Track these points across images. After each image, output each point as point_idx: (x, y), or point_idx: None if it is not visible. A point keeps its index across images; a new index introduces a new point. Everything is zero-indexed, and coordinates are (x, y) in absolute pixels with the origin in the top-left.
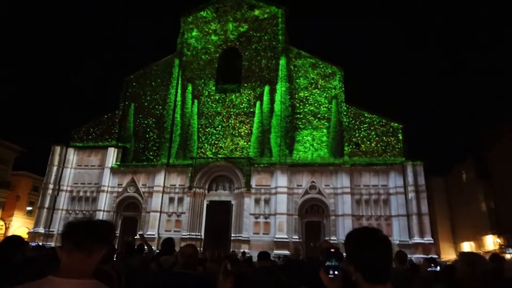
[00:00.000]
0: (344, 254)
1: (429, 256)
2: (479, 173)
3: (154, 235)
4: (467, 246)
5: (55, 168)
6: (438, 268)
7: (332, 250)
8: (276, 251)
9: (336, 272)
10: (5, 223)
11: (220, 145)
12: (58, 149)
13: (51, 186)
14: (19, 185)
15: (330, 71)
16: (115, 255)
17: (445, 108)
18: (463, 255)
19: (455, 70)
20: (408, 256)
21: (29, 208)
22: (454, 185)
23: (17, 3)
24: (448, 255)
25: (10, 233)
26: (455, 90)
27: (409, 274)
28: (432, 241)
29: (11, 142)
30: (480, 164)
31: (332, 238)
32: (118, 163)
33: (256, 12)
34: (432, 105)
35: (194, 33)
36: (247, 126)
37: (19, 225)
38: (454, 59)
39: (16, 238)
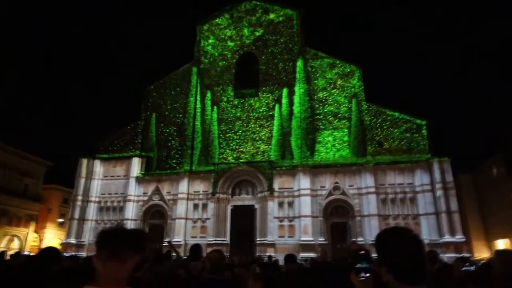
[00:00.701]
0: (374, 255)
1: (462, 255)
2: (510, 168)
3: (180, 241)
4: (502, 244)
5: (83, 180)
6: (474, 267)
7: (362, 252)
8: (302, 254)
9: (367, 274)
10: (39, 235)
11: (241, 149)
12: (85, 161)
13: (79, 197)
14: (50, 198)
15: (348, 70)
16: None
17: (471, 102)
18: (498, 253)
19: (481, 61)
20: (439, 255)
21: (60, 220)
22: (484, 182)
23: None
24: (482, 253)
25: (44, 244)
26: (482, 82)
27: (441, 275)
28: (464, 239)
29: (41, 157)
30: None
31: (358, 239)
32: (143, 172)
33: (271, 16)
34: (457, 99)
35: (210, 41)
36: (267, 130)
37: (52, 237)
38: (478, 51)
39: (53, 249)
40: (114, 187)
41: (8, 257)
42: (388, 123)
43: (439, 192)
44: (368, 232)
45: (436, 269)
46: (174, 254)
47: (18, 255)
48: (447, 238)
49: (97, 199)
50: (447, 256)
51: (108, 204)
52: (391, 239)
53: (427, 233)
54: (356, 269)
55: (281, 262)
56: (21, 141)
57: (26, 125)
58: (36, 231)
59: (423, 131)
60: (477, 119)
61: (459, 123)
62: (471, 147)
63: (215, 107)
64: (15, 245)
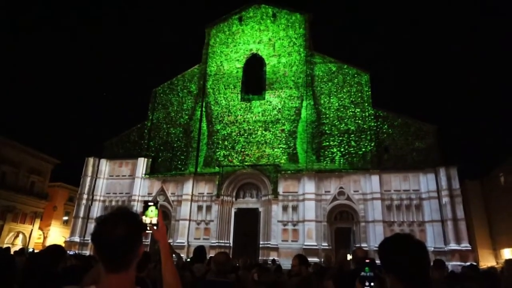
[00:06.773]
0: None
1: (470, 263)
2: None
3: (183, 243)
4: (509, 253)
5: (88, 179)
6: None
7: (368, 260)
8: None
9: (372, 284)
10: (43, 232)
11: (247, 152)
12: (91, 160)
13: (85, 196)
14: (56, 196)
15: (355, 75)
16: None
17: (480, 108)
18: (508, 263)
19: (487, 67)
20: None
21: (65, 218)
22: (491, 189)
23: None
24: (487, 262)
25: (48, 242)
26: (490, 89)
27: (451, 283)
28: (470, 248)
29: (48, 155)
30: None
31: (363, 245)
32: (148, 172)
33: (280, 20)
34: (466, 106)
35: (218, 43)
36: (272, 133)
37: (56, 234)
38: (486, 56)
39: (59, 247)
40: (119, 187)
41: (11, 253)
42: (394, 128)
43: (445, 199)
44: (373, 238)
45: (446, 276)
46: (174, 256)
47: (22, 251)
48: (453, 246)
49: (102, 198)
50: (452, 264)
51: (113, 203)
52: (394, 245)
53: (432, 240)
54: (360, 277)
55: (285, 266)
56: (29, 138)
57: (34, 123)
58: (40, 228)
59: (430, 137)
60: (490, 125)
61: (470, 130)
62: (482, 153)
63: (221, 110)
64: (19, 241)
